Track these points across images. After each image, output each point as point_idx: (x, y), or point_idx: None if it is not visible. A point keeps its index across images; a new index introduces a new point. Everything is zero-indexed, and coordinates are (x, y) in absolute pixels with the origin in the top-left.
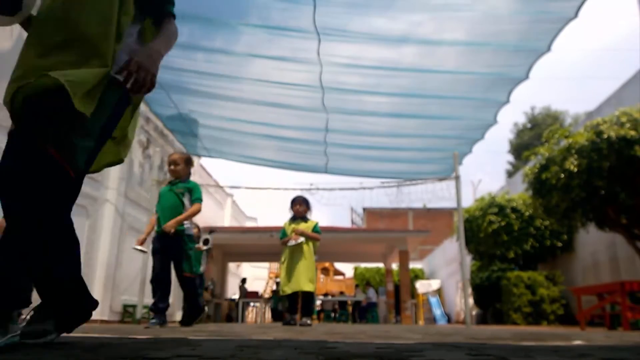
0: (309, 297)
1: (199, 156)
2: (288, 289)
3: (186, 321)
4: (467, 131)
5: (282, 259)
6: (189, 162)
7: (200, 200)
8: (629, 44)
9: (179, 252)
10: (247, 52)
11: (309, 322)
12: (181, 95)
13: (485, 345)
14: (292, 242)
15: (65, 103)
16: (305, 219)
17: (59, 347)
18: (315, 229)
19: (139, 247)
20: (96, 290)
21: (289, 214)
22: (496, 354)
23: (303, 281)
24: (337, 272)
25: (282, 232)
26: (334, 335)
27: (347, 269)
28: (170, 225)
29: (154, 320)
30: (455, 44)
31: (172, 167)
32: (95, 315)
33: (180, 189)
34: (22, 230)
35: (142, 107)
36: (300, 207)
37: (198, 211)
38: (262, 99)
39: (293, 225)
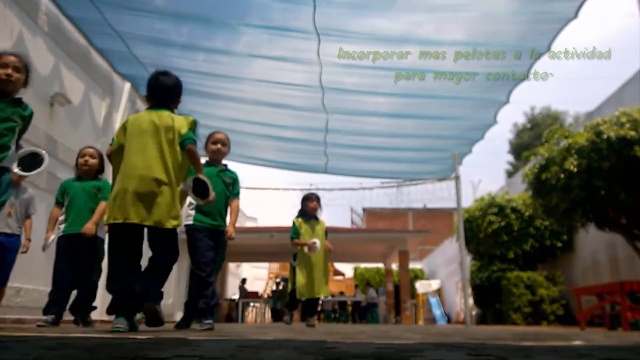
0: (317, 299)
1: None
2: (307, 294)
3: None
4: (467, 131)
5: (299, 261)
6: (230, 146)
7: (239, 195)
8: (629, 44)
9: (222, 249)
10: (247, 53)
11: (312, 322)
12: (181, 95)
13: (485, 345)
14: (311, 252)
15: None
16: (316, 218)
17: (59, 347)
18: (326, 234)
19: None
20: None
21: (293, 212)
22: (496, 354)
23: (322, 287)
24: (337, 272)
25: (293, 230)
26: (334, 335)
27: (347, 269)
28: (232, 231)
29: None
30: (455, 44)
31: (218, 146)
32: (95, 315)
33: (229, 178)
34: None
35: (142, 107)
36: (315, 204)
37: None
38: (262, 99)
39: (308, 227)
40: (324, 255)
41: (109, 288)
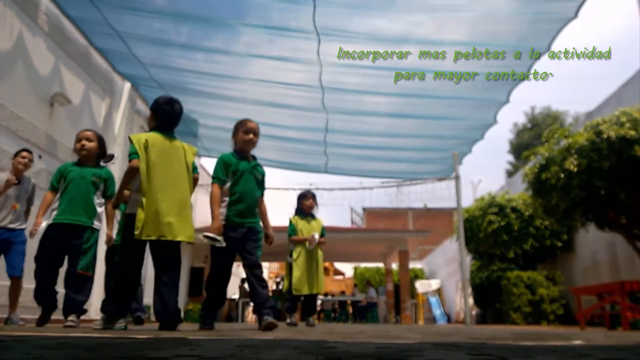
0: (315, 297)
1: (199, 156)
2: (305, 290)
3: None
4: (467, 131)
5: (295, 256)
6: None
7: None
8: (629, 44)
9: (258, 240)
10: (247, 52)
11: (312, 322)
12: (181, 95)
13: (485, 345)
14: (311, 246)
15: None
16: (313, 216)
17: (59, 347)
18: (323, 232)
19: (213, 236)
20: (96, 290)
21: (291, 212)
22: (496, 354)
23: (321, 283)
24: (337, 272)
25: (290, 227)
26: (334, 335)
27: (347, 269)
28: (272, 234)
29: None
30: (455, 44)
31: (250, 136)
32: (96, 315)
33: (260, 174)
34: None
35: (142, 106)
36: (311, 202)
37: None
38: (262, 99)
39: (305, 223)
40: (318, 252)
41: (113, 296)
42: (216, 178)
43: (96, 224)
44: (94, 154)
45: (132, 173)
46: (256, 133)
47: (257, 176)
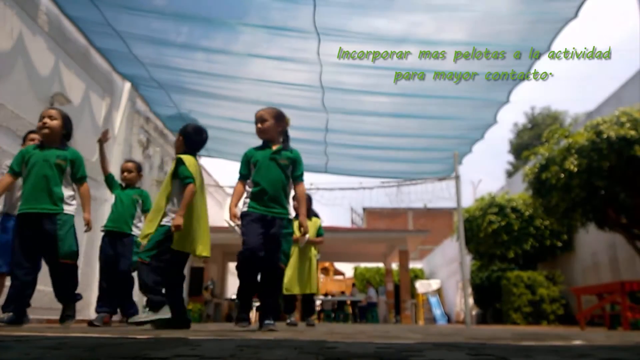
0: (312, 297)
1: (199, 156)
2: (296, 290)
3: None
4: (467, 131)
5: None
6: (280, 119)
7: (302, 177)
8: (629, 44)
9: (281, 237)
10: (247, 52)
11: (312, 322)
12: (181, 95)
13: (485, 345)
14: (302, 243)
15: None
16: (308, 216)
17: (59, 347)
18: (320, 231)
19: (229, 222)
20: (96, 290)
21: (290, 212)
22: (496, 354)
23: (312, 283)
24: (337, 272)
25: None
26: (334, 335)
27: (347, 269)
28: (306, 225)
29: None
30: (455, 44)
31: (258, 125)
32: (95, 315)
33: (285, 159)
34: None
35: (142, 106)
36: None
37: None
38: (262, 98)
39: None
40: (311, 251)
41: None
42: (239, 174)
43: (67, 208)
44: (58, 133)
45: (192, 197)
46: (262, 119)
47: (280, 162)
